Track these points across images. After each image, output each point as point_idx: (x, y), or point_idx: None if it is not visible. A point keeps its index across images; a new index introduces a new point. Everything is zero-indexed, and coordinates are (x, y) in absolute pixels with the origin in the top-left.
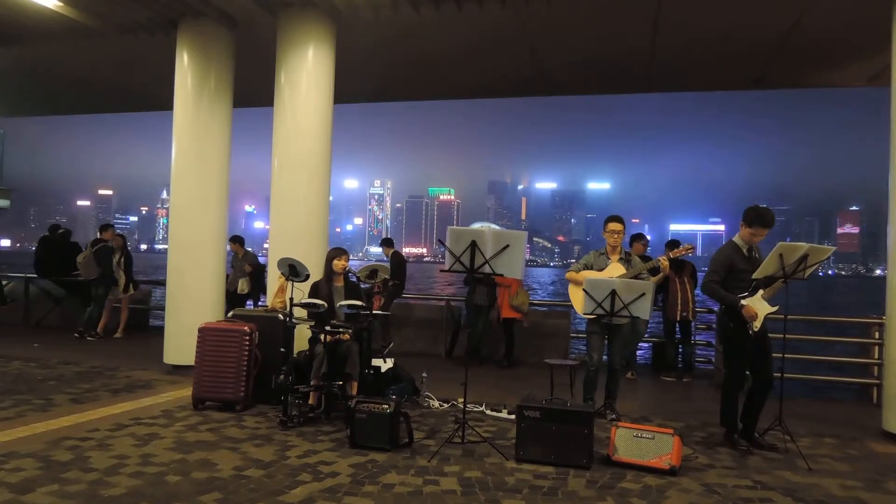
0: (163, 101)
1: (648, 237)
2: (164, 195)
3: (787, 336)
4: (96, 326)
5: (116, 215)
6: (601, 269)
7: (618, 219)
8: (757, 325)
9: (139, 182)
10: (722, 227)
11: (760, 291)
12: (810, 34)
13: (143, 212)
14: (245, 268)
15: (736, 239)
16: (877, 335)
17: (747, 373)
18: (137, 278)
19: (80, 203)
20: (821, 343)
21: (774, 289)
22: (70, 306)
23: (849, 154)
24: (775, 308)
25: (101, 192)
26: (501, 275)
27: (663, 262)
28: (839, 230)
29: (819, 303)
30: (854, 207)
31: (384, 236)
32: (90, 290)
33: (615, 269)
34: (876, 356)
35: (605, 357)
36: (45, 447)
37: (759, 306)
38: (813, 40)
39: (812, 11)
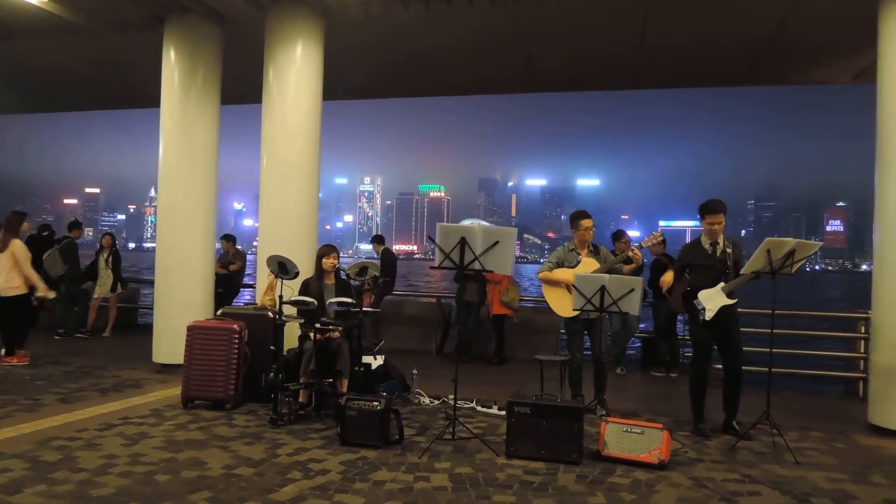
0: (150, 98)
1: (636, 232)
2: (152, 193)
3: (773, 331)
4: (77, 324)
5: (104, 213)
6: (573, 266)
7: (588, 215)
8: (709, 314)
9: (127, 180)
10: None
11: (721, 284)
12: (796, 32)
13: (131, 210)
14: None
15: (702, 237)
16: (863, 329)
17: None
18: (125, 276)
19: (66, 201)
20: (807, 337)
21: (737, 282)
22: (57, 305)
23: (836, 151)
24: (733, 301)
25: (88, 190)
26: (492, 271)
27: (636, 253)
28: (827, 227)
29: (806, 298)
30: (841, 203)
31: (374, 233)
32: (79, 289)
33: (589, 265)
34: (862, 350)
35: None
36: (32, 447)
37: (716, 298)
38: (799, 38)
39: (798, 10)
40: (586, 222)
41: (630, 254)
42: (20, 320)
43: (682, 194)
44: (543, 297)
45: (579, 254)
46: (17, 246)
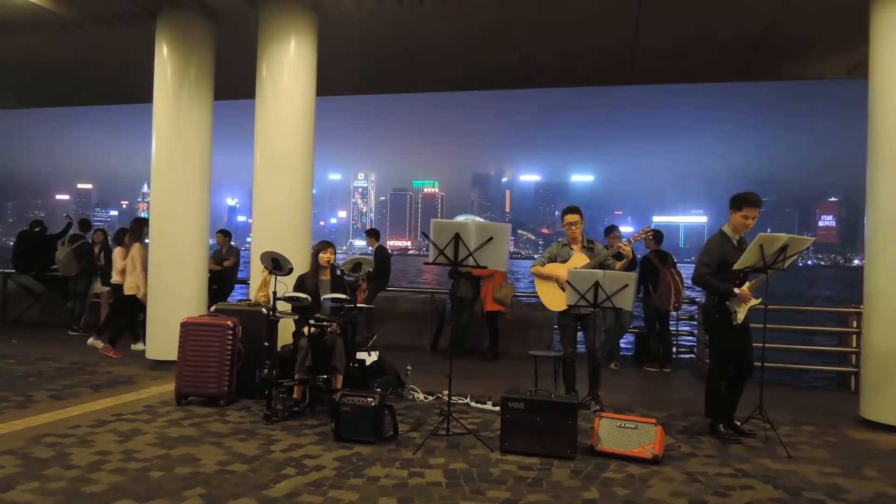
0: (143, 94)
1: (630, 228)
2: (145, 189)
3: (767, 325)
4: (80, 321)
5: (96, 209)
6: (565, 260)
7: (574, 210)
8: (741, 316)
9: (119, 176)
10: (704, 219)
11: (747, 284)
12: (789, 27)
13: (124, 206)
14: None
15: (725, 229)
16: (855, 324)
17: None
18: None
19: (58, 197)
20: (800, 332)
21: (759, 282)
22: (49, 302)
23: (828, 146)
24: (759, 300)
25: (80, 186)
26: (484, 268)
27: (625, 247)
28: (820, 222)
29: (799, 293)
30: (833, 198)
31: (368, 228)
32: (68, 286)
33: (579, 259)
34: (854, 345)
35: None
36: (24, 444)
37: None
38: (792, 33)
39: (791, 5)
40: (568, 217)
41: (620, 249)
42: (129, 317)
43: (676, 190)
44: (537, 293)
45: (572, 249)
46: (136, 249)
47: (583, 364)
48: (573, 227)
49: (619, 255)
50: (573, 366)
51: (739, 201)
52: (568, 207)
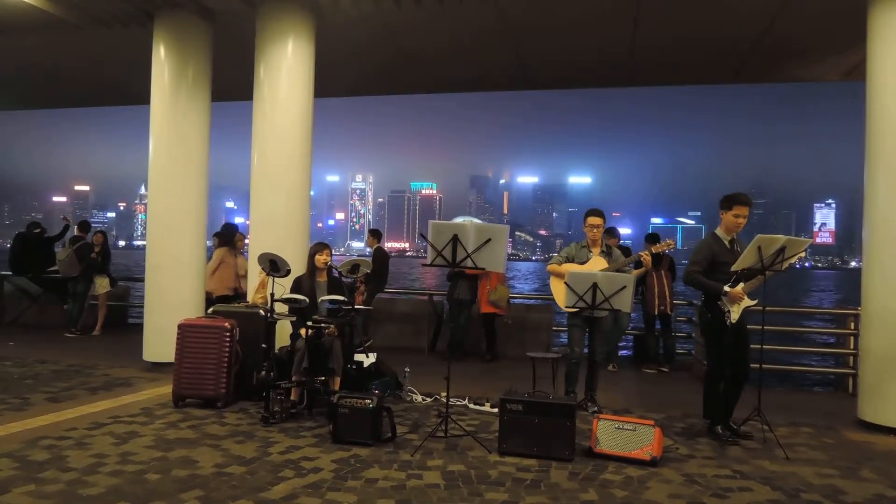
0: (140, 96)
1: (628, 230)
2: (143, 191)
3: (765, 327)
4: (77, 323)
5: (93, 211)
6: (583, 263)
7: (597, 212)
8: (735, 316)
9: (117, 177)
10: (701, 226)
11: (741, 284)
12: (786, 30)
13: (121, 208)
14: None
15: (717, 231)
16: (852, 326)
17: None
18: (114, 274)
19: (55, 199)
20: (798, 334)
21: (754, 283)
22: (46, 304)
23: (826, 148)
24: (754, 301)
25: (77, 187)
26: (481, 269)
27: (645, 256)
28: (817, 227)
29: (797, 294)
30: (830, 200)
31: (367, 231)
32: (66, 287)
33: (598, 263)
34: (852, 346)
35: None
36: (21, 447)
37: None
38: (788, 36)
39: (787, 8)
40: (592, 219)
41: (640, 256)
42: None
43: (674, 192)
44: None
45: (590, 251)
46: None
47: (582, 366)
48: (595, 230)
49: (637, 264)
50: (577, 367)
51: (729, 201)
52: (592, 209)
